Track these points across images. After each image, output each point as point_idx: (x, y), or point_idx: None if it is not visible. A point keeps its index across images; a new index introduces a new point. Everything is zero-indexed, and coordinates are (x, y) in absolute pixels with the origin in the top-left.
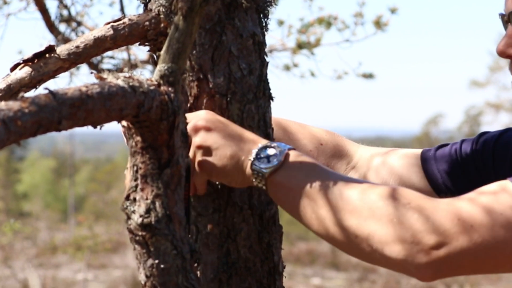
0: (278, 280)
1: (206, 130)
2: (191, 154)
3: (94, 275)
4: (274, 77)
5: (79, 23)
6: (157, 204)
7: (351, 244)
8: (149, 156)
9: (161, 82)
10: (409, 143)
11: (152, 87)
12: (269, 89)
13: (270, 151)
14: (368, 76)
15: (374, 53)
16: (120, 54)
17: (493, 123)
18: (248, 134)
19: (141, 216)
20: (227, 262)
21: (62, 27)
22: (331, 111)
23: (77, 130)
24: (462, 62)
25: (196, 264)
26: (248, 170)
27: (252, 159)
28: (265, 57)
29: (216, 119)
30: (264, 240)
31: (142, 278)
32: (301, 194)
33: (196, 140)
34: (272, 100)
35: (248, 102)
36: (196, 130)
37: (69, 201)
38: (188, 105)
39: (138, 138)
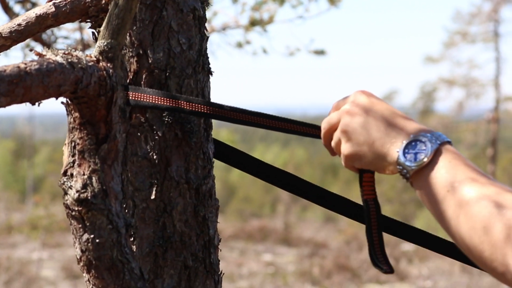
0: (214, 253)
1: (349, 115)
2: (335, 137)
3: (49, 254)
4: (227, 54)
5: (34, 4)
6: (94, 179)
7: (489, 262)
8: (86, 132)
9: (100, 58)
10: None
11: (90, 63)
12: (209, 64)
13: (420, 146)
14: (320, 52)
15: (328, 30)
16: (74, 35)
17: (446, 99)
18: (400, 121)
19: (77, 191)
20: (163, 236)
21: (17, 8)
22: (286, 89)
23: (37, 111)
24: (417, 39)
25: (132, 239)
26: (393, 161)
27: (399, 152)
28: (205, 31)
29: (364, 103)
30: (200, 214)
31: (77, 253)
32: (446, 199)
33: (340, 124)
34: (211, 74)
35: (187, 77)
36: (341, 113)
37: (28, 182)
38: (128, 80)
39: (76, 114)
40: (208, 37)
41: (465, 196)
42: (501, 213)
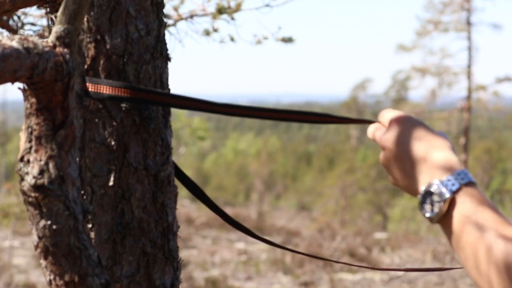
0: (172, 240)
1: (383, 149)
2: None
3: (20, 242)
4: (194, 42)
5: None
6: (51, 165)
7: None
8: (43, 118)
9: (57, 43)
10: (337, 108)
11: (47, 49)
12: (167, 50)
13: (434, 198)
14: (288, 40)
15: (301, 19)
16: (41, 21)
17: (419, 88)
18: (427, 156)
19: (34, 177)
20: (121, 223)
21: None
22: (260, 77)
23: (9, 98)
24: (390, 27)
25: (90, 225)
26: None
27: (419, 199)
28: (163, 17)
29: (395, 137)
30: (158, 201)
31: (34, 239)
32: (465, 246)
33: (380, 156)
34: (169, 60)
35: (145, 62)
36: (380, 143)
37: (0, 169)
38: (86, 66)
39: (33, 99)
40: (166, 23)
41: (484, 245)
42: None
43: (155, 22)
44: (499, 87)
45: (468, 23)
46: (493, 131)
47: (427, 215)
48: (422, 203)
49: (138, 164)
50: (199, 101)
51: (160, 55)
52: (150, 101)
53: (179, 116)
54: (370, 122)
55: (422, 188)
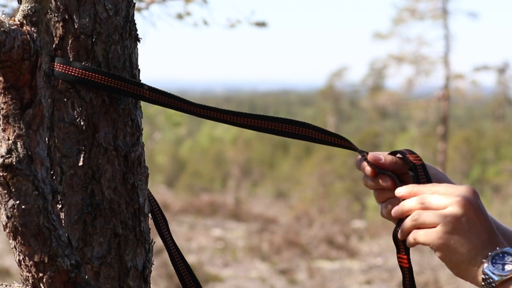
0: (144, 222)
1: (462, 207)
2: (429, 218)
3: None
4: (167, 26)
5: None
6: (19, 144)
7: None
8: (11, 97)
9: (24, 22)
10: (314, 96)
11: (14, 27)
12: (136, 30)
13: (507, 258)
14: (261, 24)
15: (277, 5)
16: (12, 3)
17: (396, 76)
18: (495, 232)
19: (2, 156)
20: (92, 204)
21: None
22: (236, 64)
23: None
24: (366, 15)
25: (60, 206)
26: (479, 269)
27: (486, 262)
28: None
29: (476, 205)
30: (129, 182)
31: (3, 219)
32: None
33: (450, 212)
34: (139, 41)
35: (114, 43)
36: (453, 201)
37: None
38: (53, 45)
39: (0, 78)
40: (135, 3)
41: None
42: None
43: (124, 2)
44: (477, 76)
45: (445, 11)
46: (472, 120)
47: (496, 272)
48: (492, 263)
49: (108, 144)
50: (179, 99)
51: (129, 36)
52: (123, 91)
53: None
54: (361, 152)
55: (493, 249)
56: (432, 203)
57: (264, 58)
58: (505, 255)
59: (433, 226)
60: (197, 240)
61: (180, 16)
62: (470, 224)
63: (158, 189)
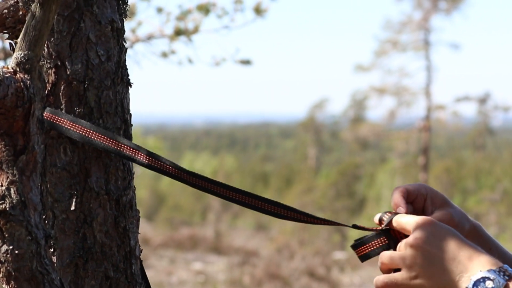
0: (135, 264)
1: (414, 249)
2: (401, 275)
3: None
4: (151, 64)
5: None
6: (12, 190)
7: None
8: (4, 143)
9: (17, 69)
10: (295, 128)
11: (7, 75)
12: (128, 75)
13: (488, 284)
14: (246, 62)
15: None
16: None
17: (378, 107)
18: (466, 252)
19: None
20: (83, 247)
21: None
22: (215, 96)
23: None
24: (348, 47)
25: (52, 250)
26: None
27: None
28: (123, 43)
29: (428, 236)
30: (120, 225)
31: None
32: None
33: (405, 259)
34: (130, 86)
35: (106, 88)
36: (405, 247)
37: None
38: (46, 91)
39: None
40: (126, 49)
41: None
42: None
43: (116, 48)
44: (459, 107)
45: (427, 42)
46: (452, 150)
47: None
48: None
49: (100, 189)
50: (177, 167)
51: (121, 81)
52: (117, 151)
53: (133, 136)
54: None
55: (473, 277)
56: (393, 259)
57: (244, 90)
58: (486, 279)
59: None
60: (177, 274)
61: (164, 55)
62: (429, 258)
63: None
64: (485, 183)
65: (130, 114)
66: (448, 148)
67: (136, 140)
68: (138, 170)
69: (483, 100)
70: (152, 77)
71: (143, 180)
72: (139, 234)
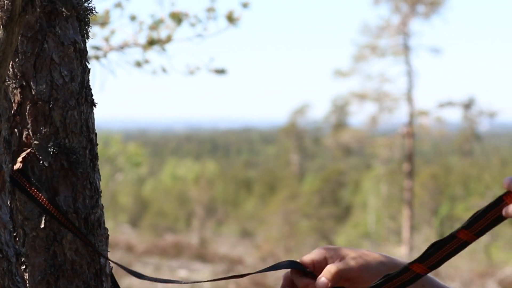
0: (105, 282)
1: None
2: None
3: None
4: (125, 73)
5: None
6: None
7: None
8: None
9: None
10: (276, 133)
11: None
12: (92, 95)
13: None
14: (220, 71)
15: (237, 46)
16: None
17: (359, 113)
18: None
19: None
20: (54, 265)
21: None
22: (195, 102)
23: None
24: (329, 52)
25: (23, 267)
26: None
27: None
28: (86, 63)
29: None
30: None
31: None
32: None
33: None
34: (95, 106)
35: (71, 108)
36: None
37: None
38: (12, 111)
39: None
40: (89, 69)
41: None
42: None
43: (79, 68)
44: (442, 112)
45: (406, 47)
46: (438, 156)
47: None
48: None
49: (68, 207)
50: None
51: (85, 101)
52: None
53: (113, 142)
54: None
55: None
56: None
57: (224, 95)
58: None
59: None
60: None
61: (138, 64)
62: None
63: (122, 229)
64: (474, 190)
65: (96, 134)
66: (434, 154)
67: (117, 146)
68: (119, 176)
69: (467, 106)
70: (131, 83)
71: (125, 187)
72: (117, 236)
